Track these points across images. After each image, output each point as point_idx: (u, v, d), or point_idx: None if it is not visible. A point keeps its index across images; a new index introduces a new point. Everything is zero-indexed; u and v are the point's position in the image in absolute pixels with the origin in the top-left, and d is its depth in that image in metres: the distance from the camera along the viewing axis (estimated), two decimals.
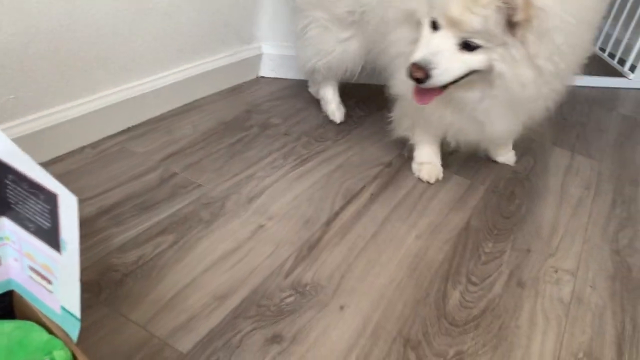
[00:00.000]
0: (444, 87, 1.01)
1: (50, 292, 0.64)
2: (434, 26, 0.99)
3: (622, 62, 2.40)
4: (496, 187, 1.38)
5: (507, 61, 0.94)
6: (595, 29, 1.11)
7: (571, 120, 1.88)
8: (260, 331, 0.85)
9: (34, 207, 0.59)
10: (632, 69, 2.33)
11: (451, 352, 0.88)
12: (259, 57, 1.72)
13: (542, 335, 0.95)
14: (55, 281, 0.62)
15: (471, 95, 1.05)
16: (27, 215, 0.60)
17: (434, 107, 1.12)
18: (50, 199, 0.56)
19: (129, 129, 1.32)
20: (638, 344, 0.97)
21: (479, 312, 0.98)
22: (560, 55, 0.94)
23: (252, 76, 1.73)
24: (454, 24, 0.93)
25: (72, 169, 1.14)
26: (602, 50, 2.58)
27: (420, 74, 0.97)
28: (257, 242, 1.04)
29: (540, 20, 0.89)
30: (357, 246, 1.08)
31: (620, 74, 2.35)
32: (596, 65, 2.50)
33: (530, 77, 0.94)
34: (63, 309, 0.63)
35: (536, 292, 1.05)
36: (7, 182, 0.59)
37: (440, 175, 1.35)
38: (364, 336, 0.88)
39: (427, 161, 1.34)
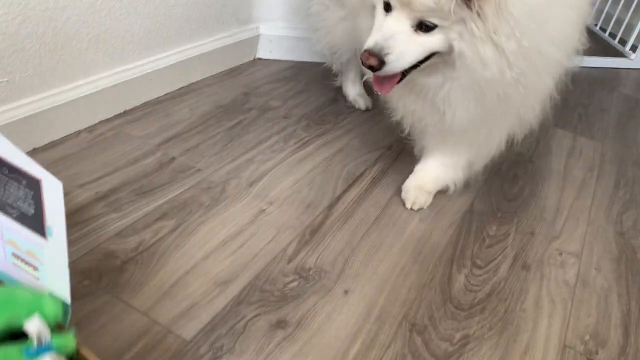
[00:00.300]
0: (405, 73, 0.94)
1: (37, 278, 0.62)
2: (387, 8, 0.92)
3: (623, 42, 2.37)
4: (499, 170, 1.37)
5: (466, 39, 0.86)
6: (582, 5, 1.00)
7: (573, 101, 1.86)
8: (264, 317, 0.84)
9: (16, 193, 0.56)
10: (634, 49, 2.31)
11: (457, 336, 0.87)
12: (256, 38, 1.68)
13: (548, 318, 0.94)
14: (42, 267, 0.60)
15: (433, 80, 0.97)
16: (9, 202, 0.58)
17: (398, 94, 1.06)
18: (33, 184, 0.54)
19: (125, 113, 1.29)
20: None
21: (485, 295, 0.96)
22: (522, 31, 0.84)
23: (250, 58, 1.70)
24: (406, 4, 0.87)
25: (68, 154, 1.12)
26: (603, 30, 2.55)
27: (373, 61, 0.90)
28: (258, 227, 1.02)
29: None
30: (360, 230, 1.06)
31: (621, 54, 2.33)
32: (597, 45, 2.47)
33: (490, 55, 0.85)
34: (52, 295, 0.61)
35: (541, 275, 1.04)
36: None
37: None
38: (369, 321, 0.87)
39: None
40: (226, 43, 1.57)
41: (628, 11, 2.37)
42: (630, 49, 2.31)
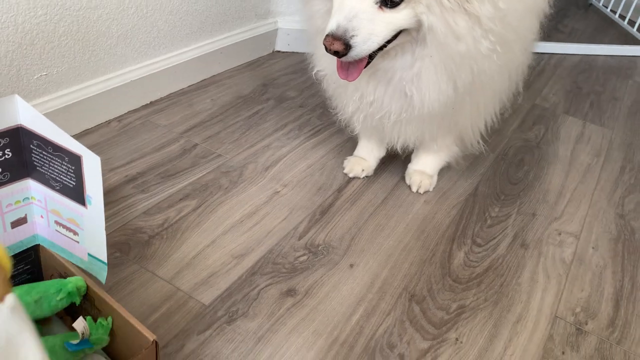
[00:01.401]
0: (371, 56, 0.87)
1: (77, 242, 0.71)
2: None
3: None
4: (506, 155, 1.42)
5: (436, 11, 0.79)
6: None
7: (586, 89, 1.89)
8: (275, 286, 0.93)
9: (59, 168, 0.66)
10: None
11: (454, 306, 0.94)
12: (274, 32, 1.76)
13: (542, 292, 1.00)
14: (82, 232, 0.70)
15: (400, 62, 0.90)
16: (53, 176, 0.67)
17: (354, 85, 0.98)
18: (75, 160, 0.64)
19: (152, 103, 1.39)
20: (635, 300, 1.02)
21: (482, 270, 1.03)
22: None
23: (269, 51, 1.78)
24: None
25: (100, 141, 1.22)
26: (622, 17, 2.55)
27: (338, 45, 0.81)
28: (272, 206, 1.10)
29: None
30: (367, 211, 1.14)
31: (638, 42, 2.33)
32: (614, 33, 2.48)
33: (463, 25, 0.80)
34: (90, 255, 0.71)
35: (539, 252, 1.10)
36: (32, 147, 0.67)
37: (364, 173, 1.22)
38: (371, 291, 0.95)
39: (356, 155, 1.25)
40: (246, 37, 1.66)
41: None
42: None
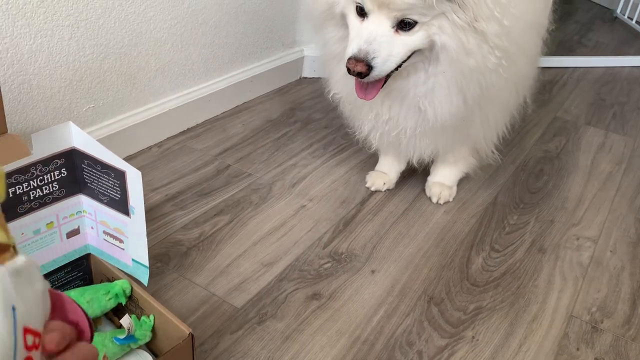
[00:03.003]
0: (387, 76, 0.94)
1: (122, 249, 0.81)
2: (362, 13, 0.90)
3: None
4: (526, 166, 1.47)
5: (448, 31, 0.86)
6: None
7: (609, 100, 1.91)
8: (302, 290, 1.00)
9: (106, 183, 0.76)
10: None
11: (471, 307, 1.00)
12: (301, 59, 1.87)
13: (558, 293, 1.04)
14: (126, 240, 0.80)
15: (413, 79, 0.97)
16: (101, 190, 0.78)
17: (369, 106, 1.05)
18: (119, 175, 0.74)
19: (188, 130, 1.50)
20: None
21: (500, 274, 1.08)
22: (501, 10, 0.85)
23: (296, 77, 1.89)
24: (384, 5, 0.85)
25: (142, 165, 1.34)
26: None
27: (361, 67, 0.88)
28: (299, 219, 1.19)
29: None
30: (389, 221, 1.21)
31: None
32: (639, 44, 2.49)
33: (473, 42, 0.86)
34: (134, 261, 0.81)
35: (556, 256, 1.14)
36: (84, 166, 0.77)
37: (386, 186, 1.29)
38: (392, 295, 1.01)
39: (377, 169, 1.32)
40: (274, 65, 1.77)
41: None
42: None
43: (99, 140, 1.27)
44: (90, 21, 1.17)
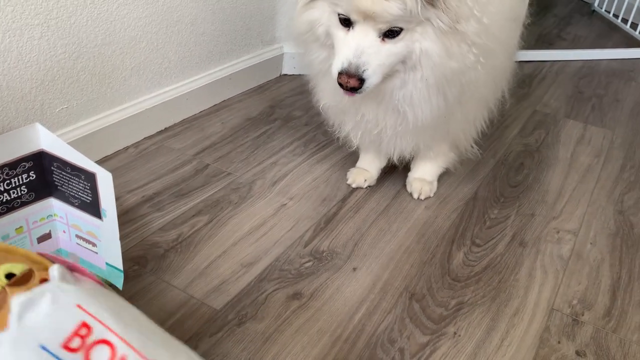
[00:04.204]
0: None
1: (96, 253, 0.79)
2: (346, 23, 0.89)
3: None
4: (506, 160, 1.47)
5: (431, 37, 0.86)
6: None
7: (588, 93, 1.93)
8: (282, 290, 0.99)
9: (77, 186, 0.74)
10: None
11: (452, 302, 0.99)
12: (280, 56, 1.86)
13: (539, 286, 1.04)
14: (99, 243, 0.78)
15: (389, 83, 0.95)
16: (72, 193, 0.75)
17: (354, 109, 1.06)
18: (90, 177, 0.72)
19: (165, 129, 1.48)
20: (632, 290, 1.05)
21: (481, 269, 1.08)
22: (480, 8, 0.85)
23: (276, 75, 1.87)
24: (370, 16, 0.84)
25: (119, 166, 1.31)
26: (625, 21, 2.59)
27: (354, 82, 0.87)
28: (279, 218, 1.17)
29: None
30: (370, 218, 1.20)
31: None
32: (618, 37, 2.51)
33: (455, 44, 0.87)
34: (108, 264, 0.79)
35: (537, 250, 1.14)
36: (53, 168, 0.75)
37: (367, 183, 1.28)
38: (373, 292, 1.00)
39: (358, 166, 1.31)
40: (253, 63, 1.75)
41: None
42: None
43: (74, 142, 1.25)
44: (61, 20, 1.14)
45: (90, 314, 0.47)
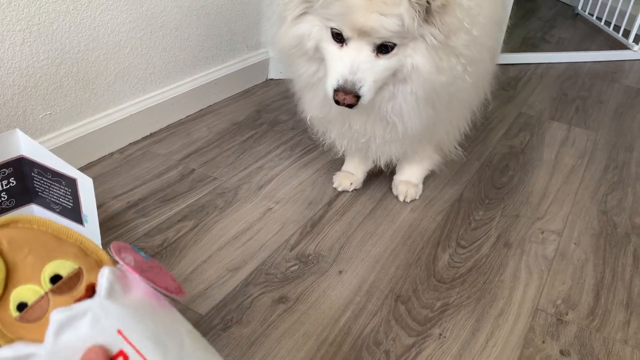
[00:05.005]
0: None
1: None
2: (339, 39, 0.88)
3: (627, 33, 2.43)
4: (491, 162, 1.48)
5: (423, 52, 0.86)
6: None
7: (571, 95, 1.95)
8: (268, 294, 0.99)
9: (58, 192, 0.74)
10: (637, 40, 2.36)
11: (438, 304, 0.99)
12: (266, 61, 1.86)
13: (524, 287, 1.05)
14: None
15: (378, 96, 0.95)
16: (53, 199, 0.75)
17: (342, 118, 1.06)
18: (71, 183, 0.71)
19: (151, 135, 1.47)
20: (616, 289, 1.06)
21: (466, 270, 1.08)
22: (470, 20, 0.85)
23: (262, 79, 1.87)
24: (365, 32, 0.83)
25: (104, 172, 1.30)
26: (608, 24, 2.62)
27: (350, 99, 0.87)
28: (265, 222, 1.17)
29: None
30: (356, 221, 1.20)
31: (624, 47, 2.39)
32: (602, 40, 2.54)
33: (445, 59, 0.87)
34: None
35: (522, 251, 1.14)
36: (34, 174, 0.75)
37: (353, 186, 1.29)
38: (359, 295, 1.00)
39: (344, 170, 1.31)
40: (239, 67, 1.75)
41: (630, 2, 2.43)
42: (633, 41, 2.37)
43: (58, 148, 1.24)
44: (44, 26, 1.13)
45: (130, 343, 0.44)
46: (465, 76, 0.93)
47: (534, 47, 2.42)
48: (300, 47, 0.95)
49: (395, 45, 0.87)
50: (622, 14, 2.53)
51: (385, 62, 0.88)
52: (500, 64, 2.14)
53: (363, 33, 0.84)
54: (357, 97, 0.88)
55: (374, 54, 0.87)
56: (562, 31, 2.66)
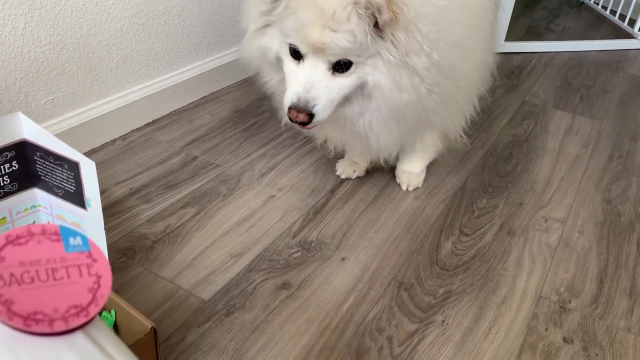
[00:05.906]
0: None
1: None
2: (296, 55, 0.87)
3: (632, 22, 2.41)
4: (494, 150, 1.47)
5: (382, 70, 0.85)
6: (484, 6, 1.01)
7: (576, 84, 1.93)
8: (271, 280, 0.99)
9: (61, 176, 0.73)
10: None
11: (441, 291, 0.99)
12: None
13: (527, 274, 1.05)
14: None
15: (349, 110, 0.95)
16: (56, 183, 0.75)
17: (318, 130, 1.08)
18: (73, 166, 0.71)
19: (154, 122, 1.47)
20: (619, 278, 1.05)
21: (469, 258, 1.08)
22: (430, 45, 0.84)
23: None
24: (319, 49, 0.82)
25: (106, 158, 1.30)
26: (613, 12, 2.60)
27: (303, 117, 0.86)
28: (268, 209, 1.17)
29: (403, 13, 0.80)
30: (359, 209, 1.20)
31: (629, 36, 2.37)
32: (606, 29, 2.52)
33: (406, 77, 0.85)
34: None
35: (525, 239, 1.14)
36: (36, 158, 0.74)
37: (356, 174, 1.29)
38: (362, 282, 1.00)
39: (347, 157, 1.31)
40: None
41: None
42: (638, 30, 2.34)
43: (60, 134, 1.23)
44: (45, 10, 1.12)
45: None
46: (432, 96, 0.91)
47: (538, 35, 2.41)
48: (263, 58, 0.95)
49: (351, 63, 0.86)
50: (627, 2, 2.51)
51: (342, 81, 0.87)
52: (504, 53, 2.13)
53: (317, 49, 0.83)
54: (310, 116, 0.86)
55: (330, 72, 0.86)
56: (567, 20, 2.64)
